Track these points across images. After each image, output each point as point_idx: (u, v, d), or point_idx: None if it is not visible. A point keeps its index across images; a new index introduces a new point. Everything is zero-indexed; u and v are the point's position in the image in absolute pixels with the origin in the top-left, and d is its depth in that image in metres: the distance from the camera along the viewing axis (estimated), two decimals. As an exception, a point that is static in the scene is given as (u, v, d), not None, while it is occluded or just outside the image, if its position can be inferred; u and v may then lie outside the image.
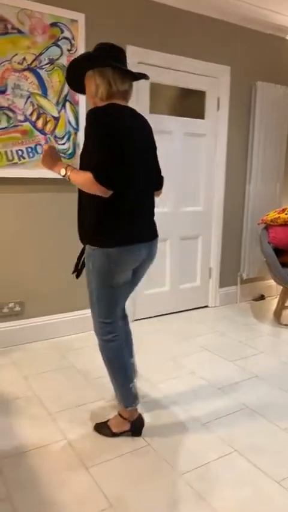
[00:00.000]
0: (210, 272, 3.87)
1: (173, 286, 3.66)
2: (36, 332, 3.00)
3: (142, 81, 3.13)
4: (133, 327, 3.36)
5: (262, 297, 4.17)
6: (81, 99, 2.86)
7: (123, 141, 1.69)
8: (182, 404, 2.26)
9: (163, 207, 3.44)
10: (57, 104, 2.82)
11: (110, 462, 1.80)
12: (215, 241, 3.82)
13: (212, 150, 3.65)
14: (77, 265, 1.95)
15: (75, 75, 1.84)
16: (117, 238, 1.76)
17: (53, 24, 2.72)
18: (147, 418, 2.04)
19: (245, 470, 1.77)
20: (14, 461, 1.80)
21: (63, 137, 2.87)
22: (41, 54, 2.71)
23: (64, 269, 2.83)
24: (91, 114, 1.70)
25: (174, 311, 3.70)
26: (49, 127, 2.82)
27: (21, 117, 2.71)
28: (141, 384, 2.43)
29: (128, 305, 3.37)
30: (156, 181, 1.99)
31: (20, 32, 2.62)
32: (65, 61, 2.78)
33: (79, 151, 2.20)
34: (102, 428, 1.99)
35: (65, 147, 2.88)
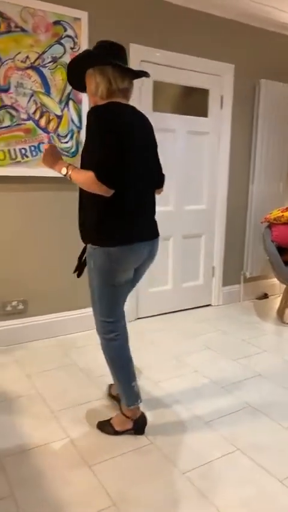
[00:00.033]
0: (213, 271, 3.86)
1: (176, 285, 3.66)
2: (39, 330, 3.00)
3: (145, 79, 3.12)
4: (136, 325, 3.39)
5: (265, 296, 4.16)
6: (85, 97, 2.86)
7: (123, 138, 1.68)
8: (185, 403, 2.26)
9: (166, 205, 3.44)
10: (60, 102, 2.82)
11: (112, 460, 1.80)
12: (218, 240, 3.81)
13: (215, 149, 3.64)
14: (78, 264, 1.95)
15: (76, 74, 1.84)
16: (118, 237, 1.76)
17: (56, 23, 2.72)
18: (150, 416, 2.04)
19: (247, 469, 1.77)
20: (17, 459, 1.80)
21: (66, 136, 2.87)
22: (44, 52, 2.71)
23: (67, 267, 2.83)
24: (92, 113, 1.70)
25: (177, 309, 3.70)
26: (52, 125, 2.82)
27: (24, 116, 2.71)
28: (144, 383, 2.43)
29: (131, 303, 3.41)
30: (157, 180, 1.98)
31: (23, 30, 2.62)
32: (68, 59, 2.77)
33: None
34: (105, 426, 1.99)
35: (68, 145, 2.88)
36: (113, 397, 2.21)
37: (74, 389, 2.36)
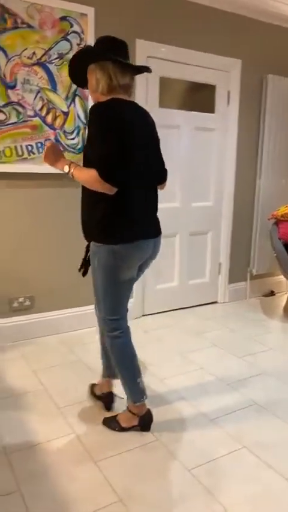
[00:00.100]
0: (220, 268, 3.85)
1: (182, 282, 3.65)
2: (45, 326, 3.02)
3: (151, 75, 3.11)
4: (142, 322, 3.39)
5: (272, 293, 4.14)
6: (91, 93, 2.85)
7: (124, 136, 1.67)
8: (191, 400, 2.26)
9: (172, 202, 3.43)
10: (67, 98, 2.82)
11: (118, 456, 1.81)
12: (224, 237, 3.80)
13: (222, 145, 3.62)
14: (83, 262, 1.95)
15: (78, 70, 1.83)
16: (122, 235, 1.76)
17: (63, 18, 2.71)
18: (156, 413, 2.04)
19: (253, 467, 1.77)
20: (24, 454, 1.81)
21: (72, 132, 2.87)
22: (50, 48, 2.70)
23: (73, 264, 2.83)
24: (93, 110, 1.69)
25: (183, 307, 3.70)
26: (58, 122, 2.82)
27: (30, 112, 2.71)
28: (150, 379, 2.43)
29: (137, 300, 3.41)
30: (159, 176, 1.97)
31: (29, 26, 2.62)
32: (74, 55, 2.77)
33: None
34: (111, 422, 2.00)
35: (74, 142, 2.88)
36: (95, 396, 2.20)
37: (80, 385, 2.37)
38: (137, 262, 1.86)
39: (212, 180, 3.64)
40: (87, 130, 1.75)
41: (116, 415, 2.01)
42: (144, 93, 3.12)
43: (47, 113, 2.77)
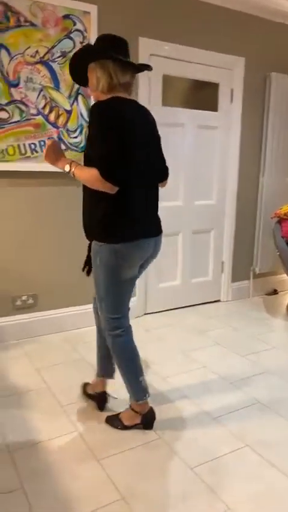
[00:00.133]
0: (223, 266, 3.85)
1: (184, 280, 3.65)
2: (48, 325, 3.02)
3: (155, 73, 3.11)
4: (144, 320, 3.39)
5: (275, 292, 4.13)
6: (94, 92, 2.85)
7: (125, 135, 1.67)
8: (193, 398, 2.26)
9: (175, 200, 3.43)
10: (70, 97, 2.81)
11: (121, 455, 1.81)
12: (227, 235, 3.79)
13: (225, 143, 3.61)
14: (86, 262, 1.95)
15: (79, 69, 1.82)
16: (123, 234, 1.76)
17: (66, 17, 2.71)
18: (158, 411, 2.04)
19: (256, 465, 1.77)
20: (27, 452, 1.82)
21: (75, 130, 2.87)
22: (53, 47, 2.70)
23: (76, 262, 2.84)
24: (94, 109, 1.69)
25: (186, 305, 3.69)
26: (61, 120, 2.82)
27: (33, 111, 2.72)
28: (153, 378, 2.44)
29: (140, 299, 3.41)
30: (160, 174, 1.97)
31: (32, 24, 2.62)
32: (77, 54, 2.76)
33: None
34: (114, 421, 2.00)
35: (77, 140, 2.88)
36: (88, 395, 2.20)
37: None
38: (138, 261, 1.86)
39: (215, 178, 3.63)
40: (87, 129, 1.75)
41: (118, 414, 2.01)
42: (147, 91, 3.12)
43: (50, 111, 2.77)
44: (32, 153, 2.75)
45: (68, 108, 2.82)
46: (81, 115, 2.87)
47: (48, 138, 2.78)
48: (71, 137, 2.86)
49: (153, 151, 1.88)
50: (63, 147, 2.83)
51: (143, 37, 3.00)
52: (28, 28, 2.61)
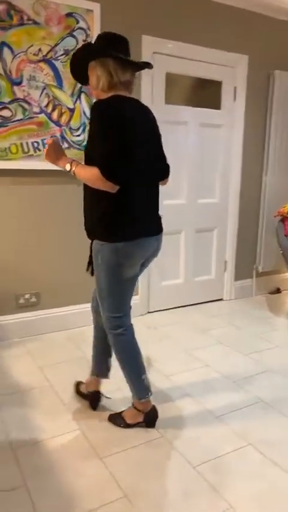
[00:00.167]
0: (226, 265, 3.84)
1: (187, 279, 3.65)
2: (51, 323, 3.03)
3: (158, 71, 3.11)
4: (147, 319, 3.39)
5: (278, 291, 4.12)
6: (97, 90, 2.85)
7: (125, 134, 1.67)
8: (196, 397, 2.26)
9: (178, 198, 3.42)
10: (73, 95, 2.81)
11: (123, 453, 1.82)
12: (230, 234, 3.78)
13: (228, 141, 3.60)
14: (89, 262, 1.95)
15: (79, 67, 1.82)
16: (123, 233, 1.76)
17: (69, 15, 2.70)
18: (161, 410, 2.04)
19: (259, 464, 1.77)
20: (30, 450, 1.82)
21: (78, 129, 2.87)
22: (56, 45, 2.70)
23: (79, 260, 2.83)
24: (95, 108, 1.69)
25: (189, 304, 3.69)
26: (64, 118, 2.81)
27: (36, 109, 2.71)
28: (155, 376, 2.44)
29: (142, 297, 3.41)
30: (161, 172, 1.96)
31: (35, 22, 2.62)
32: (80, 52, 2.76)
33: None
34: (116, 419, 2.00)
35: (80, 138, 2.88)
36: (81, 394, 2.19)
37: (85, 382, 2.37)
38: (140, 260, 1.86)
39: (218, 176, 3.62)
40: (88, 128, 1.74)
41: (121, 412, 2.01)
42: (150, 89, 3.11)
43: (53, 110, 2.77)
44: (35, 152, 2.75)
45: (71, 106, 2.82)
46: (84, 113, 2.87)
47: (50, 137, 2.78)
48: (73, 135, 2.86)
49: (153, 149, 1.88)
50: (66, 145, 2.83)
51: (146, 35, 2.99)
52: (31, 26, 2.61)
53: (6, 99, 2.62)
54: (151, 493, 1.60)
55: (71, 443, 1.87)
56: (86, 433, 1.94)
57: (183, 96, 3.39)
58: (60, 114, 2.80)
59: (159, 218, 1.94)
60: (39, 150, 2.76)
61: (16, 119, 2.67)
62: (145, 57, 2.98)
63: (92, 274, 1.95)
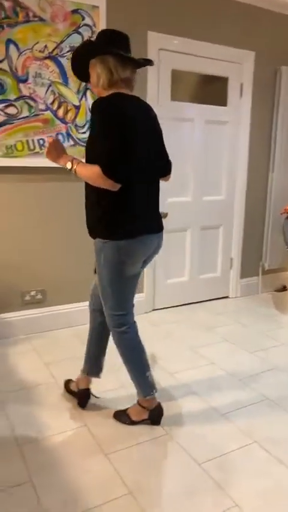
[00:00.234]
0: (231, 262, 3.83)
1: (193, 276, 3.64)
2: (57, 320, 3.04)
3: (163, 67, 3.10)
4: (152, 316, 3.39)
5: (284, 288, 4.10)
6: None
7: (126, 132, 1.66)
8: (201, 394, 2.25)
9: (184, 196, 3.41)
10: (78, 92, 2.81)
11: (128, 449, 1.82)
12: (236, 231, 3.77)
13: (235, 138, 3.58)
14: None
15: (81, 65, 1.81)
16: (124, 231, 1.76)
17: (74, 11, 2.70)
18: (166, 407, 2.04)
19: (264, 462, 1.76)
20: (35, 446, 1.83)
21: (83, 126, 2.87)
22: (62, 41, 2.69)
23: (85, 258, 2.84)
24: (95, 106, 1.68)
25: (195, 301, 3.68)
26: (70, 116, 2.81)
27: (42, 106, 2.72)
28: (161, 374, 2.44)
29: (148, 295, 3.41)
30: (162, 169, 1.96)
31: (41, 19, 2.61)
32: (85, 48, 2.75)
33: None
34: (122, 416, 2.00)
35: (85, 135, 2.87)
36: (71, 392, 2.19)
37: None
38: (142, 258, 1.86)
39: (224, 173, 3.61)
40: (89, 126, 1.73)
41: (126, 409, 2.02)
42: (156, 86, 3.10)
43: (59, 107, 2.77)
44: (41, 149, 2.75)
45: (76, 103, 2.81)
46: (90, 110, 2.86)
47: (57, 134, 2.78)
48: (79, 132, 2.86)
49: (154, 146, 1.87)
50: (71, 142, 2.83)
51: (152, 31, 2.98)
52: (37, 23, 2.61)
53: (12, 97, 2.62)
54: (156, 490, 1.61)
55: (76, 440, 1.88)
56: (91, 429, 1.95)
57: (189, 93, 3.38)
58: (66, 112, 2.80)
59: (159, 216, 1.93)
60: (45, 147, 2.75)
61: (22, 116, 2.67)
62: (151, 54, 2.97)
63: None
